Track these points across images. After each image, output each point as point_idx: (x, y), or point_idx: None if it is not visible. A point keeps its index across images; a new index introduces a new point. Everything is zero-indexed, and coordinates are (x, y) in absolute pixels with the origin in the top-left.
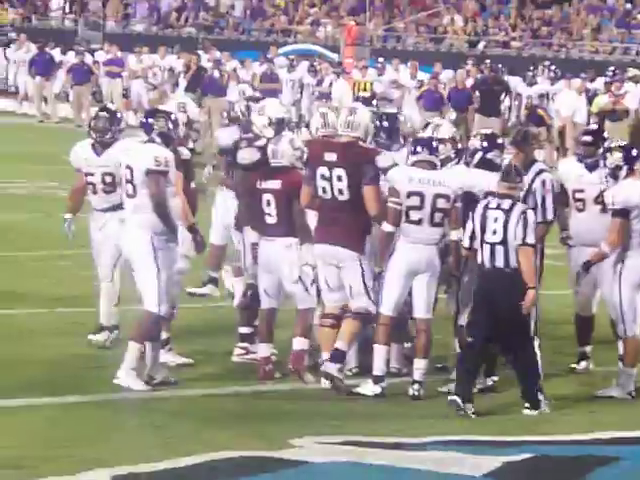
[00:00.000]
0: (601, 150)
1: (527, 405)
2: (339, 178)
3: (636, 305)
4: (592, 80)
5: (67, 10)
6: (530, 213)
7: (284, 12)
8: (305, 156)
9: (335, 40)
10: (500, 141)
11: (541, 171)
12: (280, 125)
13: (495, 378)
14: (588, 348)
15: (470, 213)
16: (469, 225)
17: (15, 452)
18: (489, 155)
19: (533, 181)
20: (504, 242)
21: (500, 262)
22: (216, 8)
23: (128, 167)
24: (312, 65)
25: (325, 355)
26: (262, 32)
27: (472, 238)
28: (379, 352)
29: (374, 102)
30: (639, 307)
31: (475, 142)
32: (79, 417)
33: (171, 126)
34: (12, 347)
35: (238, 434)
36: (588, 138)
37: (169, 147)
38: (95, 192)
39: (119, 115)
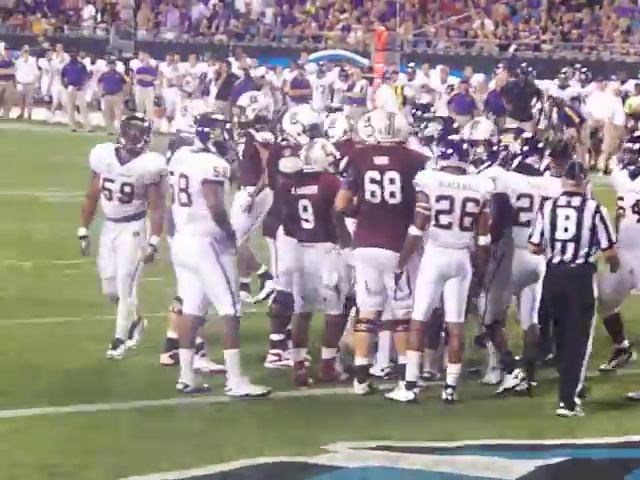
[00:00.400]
0: None
1: (562, 405)
2: (392, 181)
3: None
4: (623, 82)
5: (99, 19)
6: (604, 211)
7: (314, 18)
8: (341, 161)
9: (365, 45)
10: (540, 145)
11: None
12: (314, 131)
13: (534, 383)
14: (625, 343)
15: (540, 211)
16: (539, 223)
17: (50, 459)
18: (528, 160)
19: None
20: (576, 239)
21: (570, 258)
22: (247, 15)
23: (183, 176)
24: (343, 70)
25: (359, 360)
26: (292, 38)
27: (542, 235)
28: (412, 358)
29: (432, 109)
30: None
31: (515, 146)
32: (113, 424)
33: (226, 136)
34: (48, 355)
35: (272, 440)
36: (632, 145)
37: (224, 157)
38: (110, 199)
39: (150, 126)
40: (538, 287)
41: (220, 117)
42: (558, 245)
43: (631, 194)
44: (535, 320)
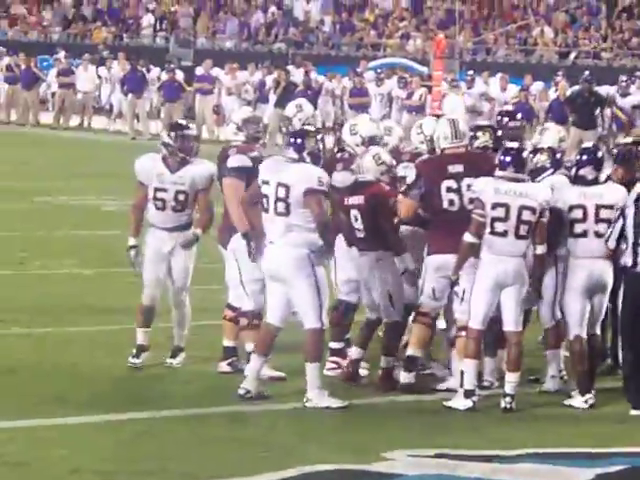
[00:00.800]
0: None
1: (635, 405)
2: (469, 187)
3: None
4: None
5: (158, 28)
6: None
7: (373, 26)
8: (392, 172)
9: (424, 53)
10: (599, 155)
11: None
12: (372, 142)
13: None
14: None
15: (620, 216)
16: (617, 227)
17: (110, 466)
18: (582, 170)
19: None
20: None
21: None
22: (305, 23)
23: (283, 185)
24: (402, 78)
25: (410, 350)
26: (351, 47)
27: (619, 239)
28: (469, 366)
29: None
30: None
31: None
32: (172, 432)
33: (320, 146)
34: (107, 361)
35: (331, 448)
36: None
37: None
38: (164, 209)
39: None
40: (605, 297)
41: (312, 128)
42: None
43: None
44: (598, 330)
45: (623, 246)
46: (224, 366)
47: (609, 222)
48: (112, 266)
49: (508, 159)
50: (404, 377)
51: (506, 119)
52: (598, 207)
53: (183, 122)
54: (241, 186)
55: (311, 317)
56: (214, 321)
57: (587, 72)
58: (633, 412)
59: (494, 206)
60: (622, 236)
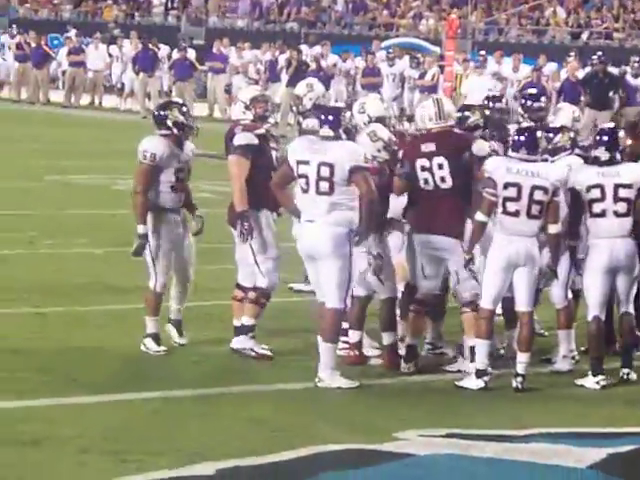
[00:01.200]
0: None
1: None
2: (440, 166)
3: None
4: None
5: (169, 6)
6: None
7: (386, 6)
8: (391, 147)
9: (437, 33)
10: (614, 136)
11: None
12: (380, 123)
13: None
14: None
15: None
16: None
17: (120, 446)
18: (596, 151)
19: None
20: None
21: None
22: (318, 3)
23: (326, 164)
24: (414, 58)
25: (408, 339)
26: (364, 26)
27: None
28: (481, 346)
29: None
30: None
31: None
32: (182, 411)
33: (354, 122)
34: (117, 341)
35: (342, 427)
36: None
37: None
38: (180, 190)
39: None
40: (632, 275)
41: (343, 105)
42: None
43: None
44: (631, 308)
45: None
46: (235, 343)
47: (628, 201)
48: (123, 245)
49: (522, 139)
50: (404, 367)
51: (530, 101)
52: (617, 186)
53: (176, 99)
54: (246, 164)
55: (336, 297)
56: (225, 301)
57: (599, 53)
58: None
59: (506, 185)
60: None
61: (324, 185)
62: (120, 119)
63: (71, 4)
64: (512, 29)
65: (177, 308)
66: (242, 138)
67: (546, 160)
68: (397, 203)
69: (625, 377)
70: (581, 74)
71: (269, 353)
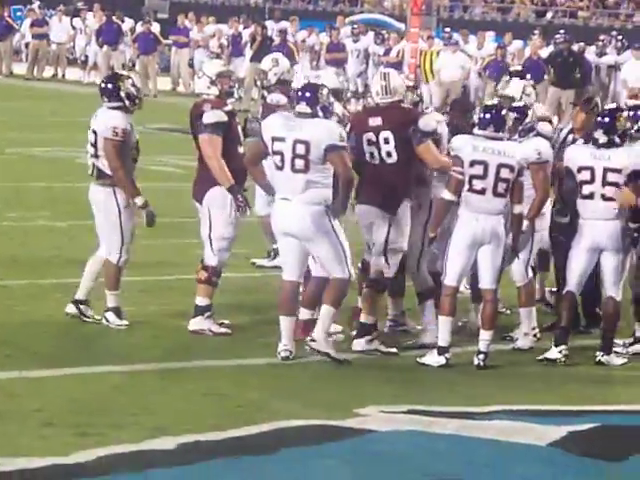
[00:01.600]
0: None
1: None
2: (386, 141)
3: None
4: None
5: None
6: None
7: None
8: (344, 122)
9: (402, 10)
10: (614, 119)
11: None
12: (335, 95)
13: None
14: None
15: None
16: None
17: (82, 420)
18: (595, 133)
19: None
20: None
21: None
22: None
23: (302, 142)
24: (379, 34)
25: (362, 317)
26: (329, 2)
27: None
28: (444, 323)
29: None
30: None
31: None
32: (143, 385)
33: (331, 100)
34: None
35: (304, 403)
36: None
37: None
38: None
39: None
40: (616, 258)
41: (320, 81)
42: None
43: None
44: (614, 292)
45: None
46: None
47: (617, 185)
48: (86, 219)
49: (488, 117)
50: (356, 344)
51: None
52: (606, 170)
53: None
54: (219, 141)
55: (338, 270)
56: (188, 275)
57: (562, 31)
58: None
59: (472, 163)
60: None
61: (299, 163)
62: (83, 92)
63: None
64: (477, 6)
65: (88, 286)
66: (212, 116)
67: (514, 141)
68: None
69: (598, 359)
70: (545, 52)
71: (228, 331)
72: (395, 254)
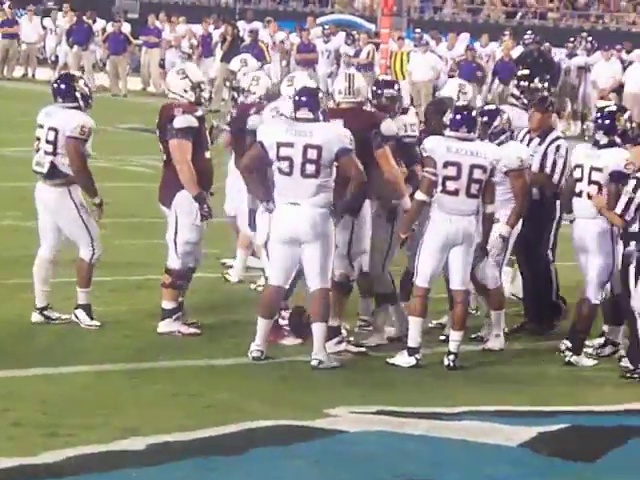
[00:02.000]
0: None
1: None
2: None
3: None
4: (629, 52)
5: None
6: None
7: None
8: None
9: (372, 10)
10: (614, 120)
11: (557, 138)
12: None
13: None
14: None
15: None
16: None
17: (52, 420)
18: (596, 134)
19: (548, 146)
20: None
21: None
22: None
23: (313, 147)
24: (349, 35)
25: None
26: (299, 2)
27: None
28: (415, 323)
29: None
30: None
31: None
32: (113, 385)
33: (329, 104)
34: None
35: (273, 404)
36: None
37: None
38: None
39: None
40: (595, 259)
41: (315, 85)
42: None
43: None
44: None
45: None
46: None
47: (599, 185)
48: None
49: (459, 118)
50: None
51: (525, 82)
52: (592, 169)
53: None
54: (188, 146)
55: (323, 277)
56: (157, 275)
57: (529, 32)
58: None
59: (445, 165)
60: None
61: (310, 168)
62: None
63: None
64: (447, 7)
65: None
66: (183, 121)
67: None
68: None
69: (568, 360)
70: (515, 53)
71: (197, 331)
72: (358, 255)
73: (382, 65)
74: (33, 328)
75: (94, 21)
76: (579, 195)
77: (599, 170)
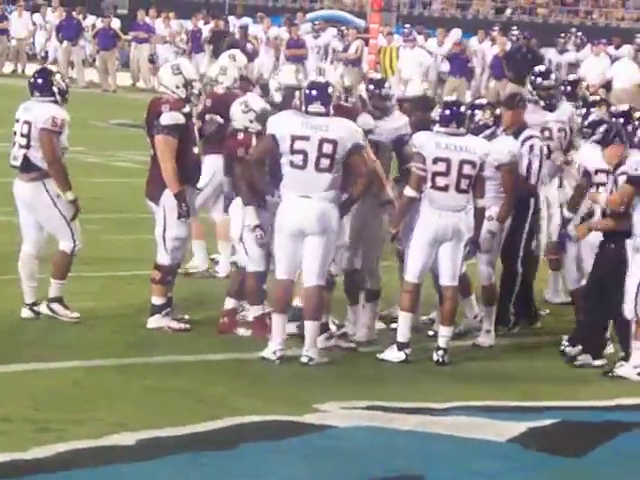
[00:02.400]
0: None
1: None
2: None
3: None
4: (617, 47)
5: None
6: None
7: None
8: (264, 117)
9: (361, 6)
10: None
11: (530, 137)
12: (289, 92)
13: None
14: None
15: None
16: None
17: (42, 415)
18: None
19: (522, 145)
20: None
21: None
22: None
23: (329, 141)
24: (339, 31)
25: None
26: None
27: None
28: (404, 319)
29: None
30: None
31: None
32: (103, 381)
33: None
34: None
35: (264, 399)
36: None
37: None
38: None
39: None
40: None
41: (323, 80)
42: None
43: None
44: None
45: None
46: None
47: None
48: None
49: (448, 114)
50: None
51: (540, 79)
52: (596, 171)
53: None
54: (174, 143)
55: (320, 274)
56: (146, 271)
57: (514, 28)
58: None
59: (435, 160)
60: None
61: (325, 162)
62: None
63: None
64: (436, 3)
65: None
66: (170, 118)
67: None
68: None
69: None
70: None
71: (186, 326)
72: (339, 251)
73: (371, 61)
74: (23, 324)
75: (84, 17)
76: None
77: (603, 172)
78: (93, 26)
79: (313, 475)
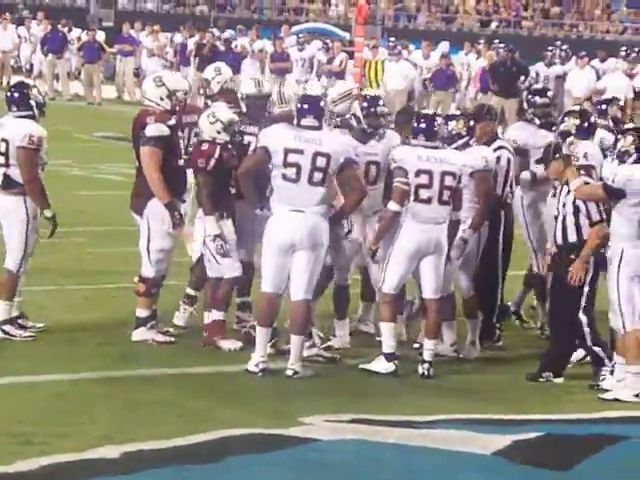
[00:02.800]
0: None
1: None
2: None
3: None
4: (603, 60)
5: None
6: None
7: None
8: (232, 128)
9: (347, 19)
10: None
11: (499, 147)
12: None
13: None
14: None
15: None
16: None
17: (26, 428)
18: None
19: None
20: None
21: None
22: None
23: (323, 155)
24: (324, 44)
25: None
26: (274, 11)
27: None
28: (387, 329)
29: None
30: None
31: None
32: (88, 393)
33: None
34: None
35: (249, 412)
36: None
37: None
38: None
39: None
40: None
41: (314, 93)
42: None
43: None
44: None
45: None
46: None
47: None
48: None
49: (423, 126)
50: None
51: (537, 97)
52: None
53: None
54: (159, 154)
55: (308, 288)
56: (132, 283)
57: (496, 41)
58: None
59: (418, 173)
60: None
61: (318, 175)
62: None
63: None
64: (421, 16)
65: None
66: (154, 129)
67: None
68: None
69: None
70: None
71: (171, 339)
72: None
73: (356, 74)
74: (4, 337)
75: (69, 30)
76: None
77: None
78: (78, 39)
79: None
